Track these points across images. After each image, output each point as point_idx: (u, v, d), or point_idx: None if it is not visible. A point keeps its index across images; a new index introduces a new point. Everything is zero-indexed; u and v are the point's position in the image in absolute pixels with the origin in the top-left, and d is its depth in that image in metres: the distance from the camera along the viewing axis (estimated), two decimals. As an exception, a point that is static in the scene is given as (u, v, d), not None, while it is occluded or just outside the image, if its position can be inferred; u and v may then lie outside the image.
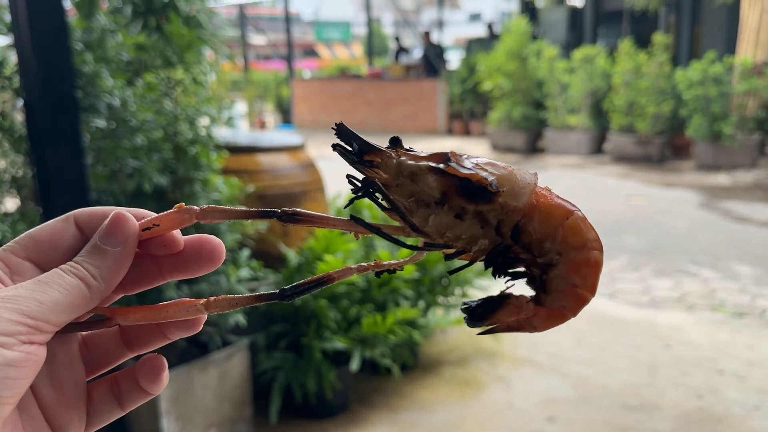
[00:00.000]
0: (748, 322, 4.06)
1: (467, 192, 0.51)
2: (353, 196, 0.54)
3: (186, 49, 2.74)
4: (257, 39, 23.59)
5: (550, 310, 0.53)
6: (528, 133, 11.82)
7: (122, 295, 0.51)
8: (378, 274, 0.54)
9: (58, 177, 2.45)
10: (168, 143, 2.65)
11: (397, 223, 0.54)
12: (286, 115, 16.45)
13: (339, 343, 2.81)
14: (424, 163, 0.53)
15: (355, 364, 2.81)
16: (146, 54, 2.79)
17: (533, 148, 11.92)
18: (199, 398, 2.55)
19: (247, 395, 2.72)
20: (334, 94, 16.39)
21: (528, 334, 0.55)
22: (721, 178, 8.90)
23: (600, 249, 0.53)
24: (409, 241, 0.55)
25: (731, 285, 4.75)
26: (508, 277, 0.55)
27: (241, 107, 12.66)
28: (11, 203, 3.14)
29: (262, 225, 2.92)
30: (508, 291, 0.55)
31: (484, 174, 0.51)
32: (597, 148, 11.22)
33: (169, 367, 2.50)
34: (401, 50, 17.56)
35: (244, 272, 2.89)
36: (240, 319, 2.63)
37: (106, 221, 0.47)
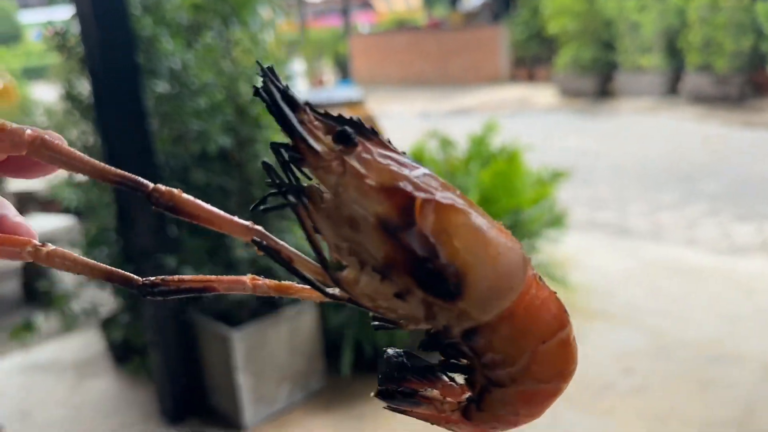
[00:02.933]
0: (840, 268, 3.82)
1: (419, 278, 0.37)
2: (270, 201, 0.39)
3: (242, 8, 2.72)
4: (314, -5, 23.38)
5: (477, 428, 0.42)
6: (598, 76, 11.36)
7: None
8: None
9: (124, 142, 2.50)
10: (229, 104, 2.65)
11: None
12: (344, 72, 16.36)
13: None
14: (376, 208, 0.37)
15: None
16: (203, 14, 2.78)
17: (603, 91, 11.47)
18: (273, 353, 2.61)
19: (318, 350, 2.76)
20: (391, 48, 16.17)
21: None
22: (808, 116, 8.35)
23: (570, 377, 0.40)
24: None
25: (820, 229, 4.48)
26: (441, 367, 0.42)
27: (299, 66, 12.66)
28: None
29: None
30: (431, 393, 0.43)
31: (449, 260, 0.36)
32: (672, 89, 10.68)
33: (242, 324, 2.54)
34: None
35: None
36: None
37: None
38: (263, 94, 0.38)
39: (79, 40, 2.62)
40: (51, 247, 0.38)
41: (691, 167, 6.30)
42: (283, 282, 0.42)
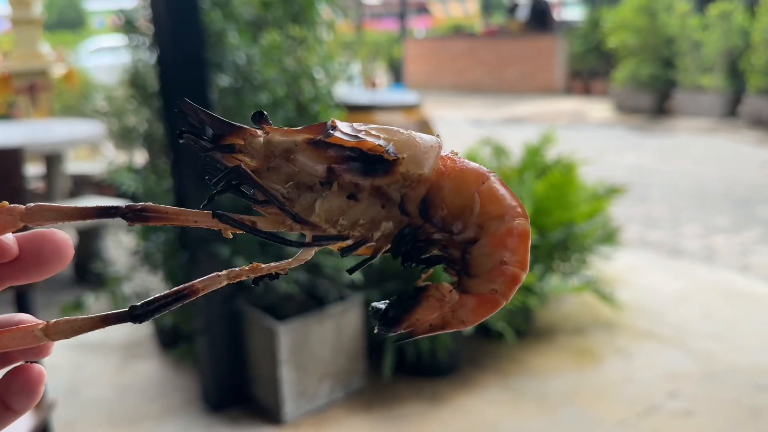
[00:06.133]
0: None
1: (359, 163, 0.42)
2: (212, 192, 0.44)
3: (309, 7, 2.76)
4: (371, -2, 23.52)
5: (479, 296, 0.44)
6: (655, 94, 11.14)
7: None
8: (255, 282, 0.45)
9: (188, 132, 2.55)
10: (290, 101, 2.69)
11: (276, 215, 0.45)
12: (397, 75, 16.40)
13: (452, 304, 2.79)
14: (301, 136, 0.43)
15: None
16: (271, 11, 2.82)
17: (661, 109, 11.23)
18: (316, 349, 2.63)
19: (361, 350, 2.77)
20: (446, 54, 16.14)
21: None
22: None
23: (525, 216, 0.44)
24: (295, 235, 0.46)
25: None
26: (422, 265, 0.45)
27: (355, 67, 12.76)
28: (140, 157, 3.32)
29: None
30: (424, 283, 0.45)
31: (376, 141, 0.42)
32: (731, 111, 10.40)
33: (288, 318, 2.57)
34: (515, 6, 16.98)
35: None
36: (357, 275, 2.67)
37: None
38: (190, 135, 0.44)
39: (149, 30, 2.70)
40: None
41: (748, 191, 6.12)
42: (255, 264, 0.45)
